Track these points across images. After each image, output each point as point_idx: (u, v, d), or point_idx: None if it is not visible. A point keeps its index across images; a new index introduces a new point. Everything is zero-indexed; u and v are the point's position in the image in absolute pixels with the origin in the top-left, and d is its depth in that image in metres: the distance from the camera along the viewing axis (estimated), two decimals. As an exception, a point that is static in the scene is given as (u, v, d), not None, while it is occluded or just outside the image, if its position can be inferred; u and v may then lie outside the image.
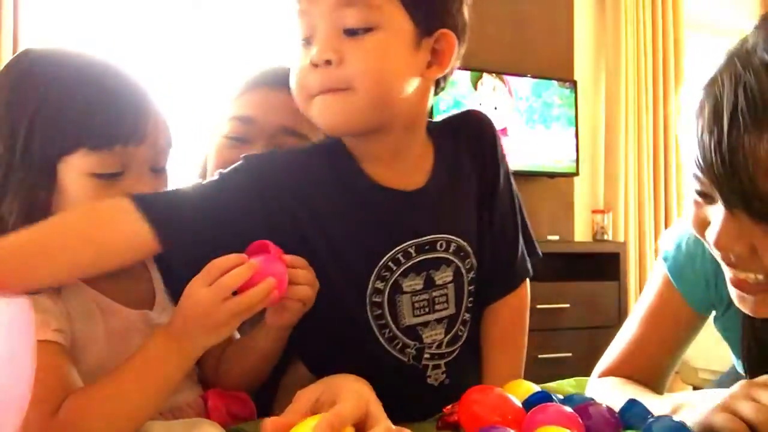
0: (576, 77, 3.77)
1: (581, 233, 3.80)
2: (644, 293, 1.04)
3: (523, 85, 3.53)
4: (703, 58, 4.12)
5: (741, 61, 0.73)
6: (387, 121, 0.84)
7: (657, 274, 1.02)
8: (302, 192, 0.85)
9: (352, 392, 0.68)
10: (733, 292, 0.81)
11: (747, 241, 0.72)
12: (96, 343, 0.78)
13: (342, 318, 0.88)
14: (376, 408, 0.69)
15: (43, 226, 0.73)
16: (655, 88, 3.89)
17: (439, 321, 0.90)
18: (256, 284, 0.72)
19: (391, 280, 0.86)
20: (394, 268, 0.86)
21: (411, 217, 0.87)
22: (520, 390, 0.77)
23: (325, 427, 0.61)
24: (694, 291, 0.97)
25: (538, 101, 3.56)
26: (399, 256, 0.86)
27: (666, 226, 3.87)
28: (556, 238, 3.47)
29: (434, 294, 0.89)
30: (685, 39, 3.98)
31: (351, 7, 0.78)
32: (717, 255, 0.78)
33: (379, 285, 0.86)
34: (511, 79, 3.49)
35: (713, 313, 0.99)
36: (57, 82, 0.77)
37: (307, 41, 0.83)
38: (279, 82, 1.08)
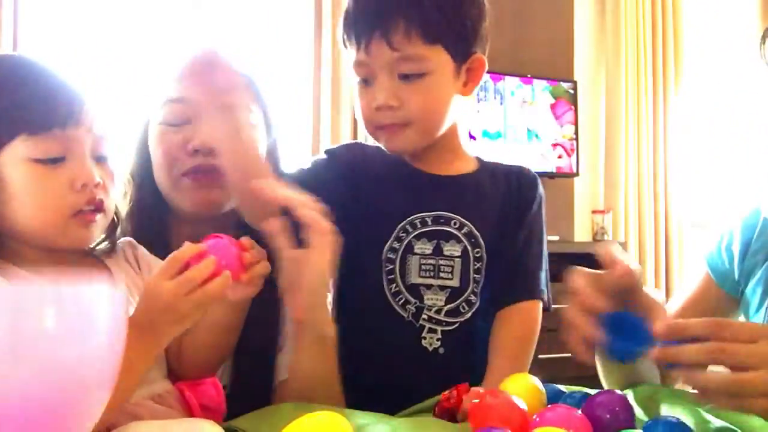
0: (576, 77, 3.77)
1: (581, 233, 3.80)
2: (678, 293, 1.14)
3: (523, 85, 3.53)
4: (703, 58, 4.12)
5: None
6: (432, 141, 1.02)
7: (694, 269, 1.12)
8: (357, 166, 1.05)
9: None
10: None
11: None
12: None
13: (358, 272, 1.00)
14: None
15: None
16: (655, 88, 3.89)
17: (441, 288, 1.01)
18: (218, 274, 0.74)
19: (406, 241, 1.01)
20: (411, 230, 1.02)
21: (433, 192, 1.03)
22: (521, 383, 0.78)
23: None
24: (720, 268, 1.06)
25: (538, 101, 3.56)
26: (417, 221, 1.02)
27: (666, 226, 3.88)
28: (556, 238, 3.47)
29: (441, 262, 1.01)
30: (685, 39, 3.98)
31: (407, 61, 0.96)
32: None
33: (396, 245, 1.01)
34: (510, 79, 3.49)
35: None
36: None
37: (366, 82, 0.99)
38: (209, 63, 1.08)
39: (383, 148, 1.04)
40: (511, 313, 1.03)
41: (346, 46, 1.00)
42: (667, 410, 0.76)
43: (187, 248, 0.75)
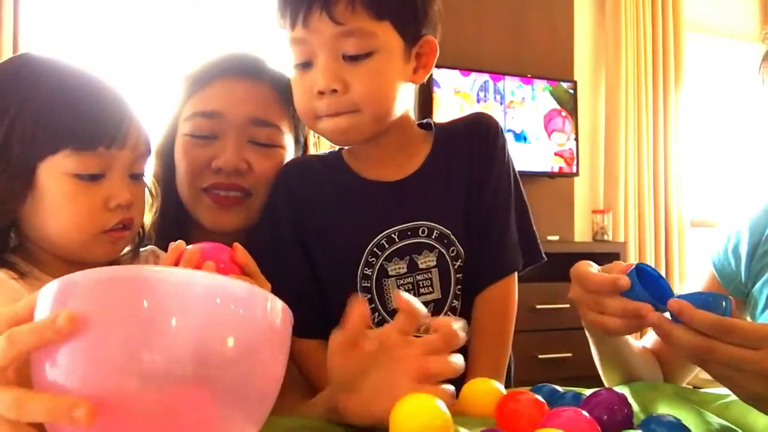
0: (576, 77, 3.77)
1: (581, 233, 3.80)
2: (684, 286, 1.10)
3: (523, 85, 3.53)
4: (703, 58, 4.12)
5: None
6: (384, 128, 0.93)
7: (698, 269, 1.11)
8: (302, 193, 0.98)
9: None
10: None
11: None
12: None
13: (335, 302, 0.89)
14: None
15: None
16: (655, 88, 3.89)
17: (425, 304, 0.90)
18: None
19: (377, 265, 0.94)
20: (379, 253, 0.95)
21: (391, 205, 0.95)
22: (483, 388, 0.77)
23: None
24: (727, 269, 1.05)
25: (537, 101, 3.56)
26: (383, 242, 0.94)
27: (666, 226, 3.88)
28: (556, 238, 3.47)
29: (418, 278, 0.95)
30: (685, 39, 3.98)
31: (350, 36, 0.85)
32: None
33: (367, 271, 0.94)
34: (510, 79, 3.49)
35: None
36: (41, 85, 0.77)
37: (304, 65, 0.89)
38: (241, 70, 1.06)
39: (325, 138, 0.95)
40: (484, 298, 0.97)
41: (280, 24, 0.89)
42: (665, 409, 0.76)
43: (173, 245, 0.75)
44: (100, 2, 2.81)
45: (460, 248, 0.96)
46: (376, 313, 0.94)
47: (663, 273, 4.14)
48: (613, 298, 0.73)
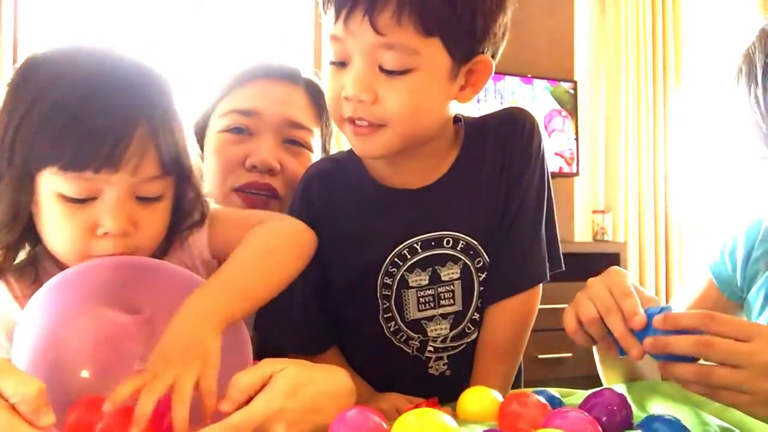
0: (576, 77, 3.77)
1: (581, 233, 3.80)
2: (680, 297, 1.15)
3: (523, 85, 3.53)
4: (703, 58, 4.12)
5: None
6: (416, 145, 0.85)
7: (697, 273, 1.12)
8: (321, 203, 0.91)
9: (270, 395, 0.64)
10: None
11: None
12: None
13: (353, 310, 0.92)
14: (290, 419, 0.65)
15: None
16: (655, 88, 3.89)
17: (444, 316, 0.92)
18: None
19: (398, 276, 0.89)
20: (401, 263, 0.89)
21: (414, 214, 0.89)
22: (482, 398, 0.77)
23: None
24: (724, 274, 1.06)
25: (537, 101, 3.55)
26: (405, 252, 0.89)
27: (666, 226, 3.88)
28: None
29: (440, 290, 0.90)
30: (685, 39, 3.98)
31: (390, 50, 0.77)
32: None
33: (388, 281, 0.90)
34: (510, 79, 3.49)
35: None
36: (48, 91, 0.71)
37: (340, 65, 0.82)
38: (279, 74, 1.08)
39: (353, 149, 0.87)
40: (503, 308, 0.91)
41: (324, 11, 0.82)
42: (663, 409, 0.76)
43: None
44: (100, 2, 2.81)
45: (487, 259, 0.91)
46: (393, 323, 0.91)
47: (663, 273, 4.12)
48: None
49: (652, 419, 0.68)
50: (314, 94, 1.09)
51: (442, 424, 0.59)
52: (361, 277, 0.90)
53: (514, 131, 0.91)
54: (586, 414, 0.66)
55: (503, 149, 0.91)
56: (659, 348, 0.73)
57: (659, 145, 3.88)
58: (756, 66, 0.78)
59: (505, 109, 0.95)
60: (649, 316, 0.75)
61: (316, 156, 1.10)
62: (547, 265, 0.95)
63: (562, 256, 0.97)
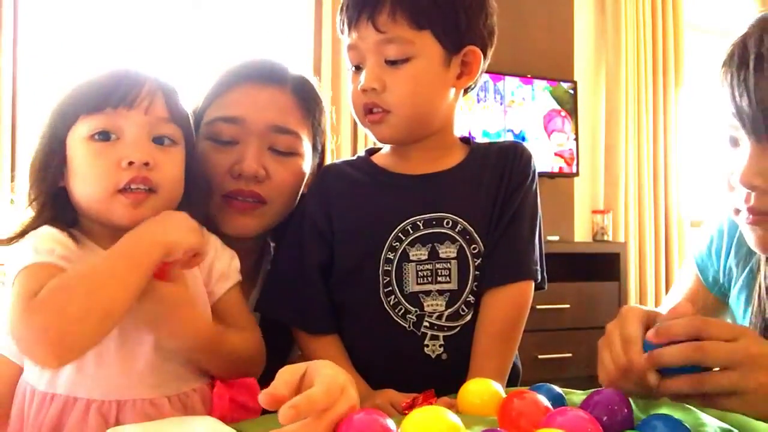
0: (576, 77, 3.77)
1: (581, 233, 3.80)
2: (672, 289, 1.14)
3: (523, 85, 3.53)
4: (703, 58, 4.12)
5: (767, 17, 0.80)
6: (425, 132, 1.01)
7: (684, 269, 1.11)
8: (332, 187, 1.05)
9: (326, 377, 0.69)
10: (750, 237, 0.86)
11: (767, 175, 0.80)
12: None
13: (355, 287, 1.00)
14: (350, 390, 0.71)
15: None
16: (655, 88, 3.90)
17: (441, 293, 0.99)
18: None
19: (400, 250, 0.99)
20: (403, 238, 0.99)
21: (419, 194, 1.01)
22: (481, 388, 0.78)
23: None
24: (710, 270, 1.06)
25: (537, 101, 3.56)
26: (408, 227, 0.99)
27: (666, 226, 3.88)
28: (556, 238, 3.47)
29: (437, 266, 0.99)
30: (685, 39, 3.98)
31: (391, 43, 0.96)
32: (740, 200, 0.84)
33: (390, 255, 0.99)
34: (510, 79, 3.49)
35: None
36: (77, 83, 0.87)
37: (358, 68, 1.00)
38: (264, 77, 1.08)
39: (372, 136, 1.03)
40: (499, 295, 0.99)
41: (341, 32, 1.00)
42: (665, 409, 0.76)
43: None
44: (100, 2, 2.81)
45: (482, 246, 1.00)
46: (392, 296, 0.98)
47: (662, 273, 4.12)
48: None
49: (652, 419, 0.68)
50: (302, 93, 1.09)
51: (449, 423, 0.59)
52: (366, 252, 0.99)
53: (515, 152, 1.05)
54: (587, 413, 0.66)
55: (503, 166, 1.04)
56: (655, 362, 0.74)
57: (659, 144, 3.88)
58: (750, 51, 0.78)
59: (509, 141, 1.13)
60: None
61: (307, 159, 1.09)
62: (539, 269, 1.03)
63: (546, 278, 1.05)
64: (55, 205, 0.86)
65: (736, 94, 0.79)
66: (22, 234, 0.84)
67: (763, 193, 0.81)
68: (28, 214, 0.86)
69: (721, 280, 1.05)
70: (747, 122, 0.79)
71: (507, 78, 3.48)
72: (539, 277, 1.02)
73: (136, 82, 0.86)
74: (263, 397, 0.66)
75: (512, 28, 3.60)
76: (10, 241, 0.84)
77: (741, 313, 1.00)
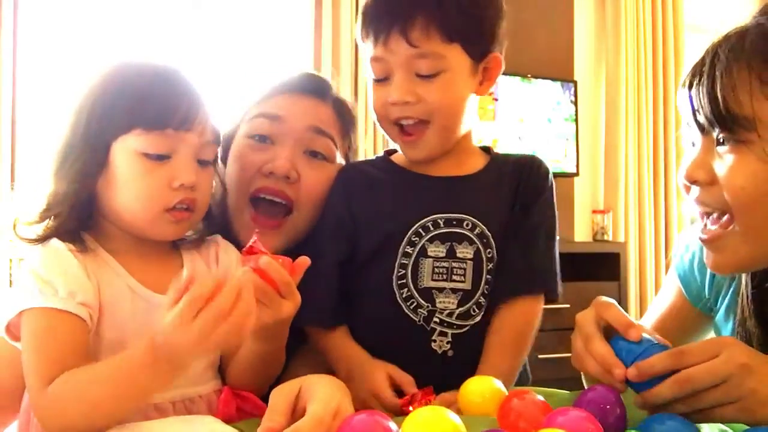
0: (576, 77, 3.77)
1: (581, 233, 3.80)
2: (655, 299, 1.11)
3: (523, 85, 3.53)
4: (703, 58, 4.12)
5: (732, 31, 0.84)
6: (453, 141, 1.03)
7: (667, 280, 1.09)
8: (355, 182, 1.06)
9: (320, 404, 0.71)
10: (708, 257, 0.88)
11: (709, 169, 0.82)
12: (121, 319, 0.82)
13: (370, 276, 1.01)
14: (346, 409, 0.73)
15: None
16: (655, 88, 3.90)
17: (454, 291, 1.00)
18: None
19: (419, 245, 1.00)
20: (423, 234, 1.00)
21: (440, 194, 1.02)
22: (483, 387, 0.78)
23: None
24: (693, 285, 1.04)
25: (538, 101, 3.55)
26: (429, 224, 1.00)
27: (666, 226, 3.88)
28: (556, 238, 3.47)
29: (453, 264, 1.00)
30: (685, 39, 3.98)
31: (424, 58, 0.96)
32: (689, 195, 0.86)
33: (409, 249, 1.00)
34: (511, 79, 3.49)
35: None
36: (120, 71, 0.86)
37: (382, 81, 1.00)
38: (308, 89, 1.11)
39: (400, 151, 1.04)
40: (511, 308, 1.00)
41: (363, 41, 1.00)
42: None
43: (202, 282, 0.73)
44: (100, 2, 2.81)
45: (495, 253, 1.01)
46: (405, 289, 0.99)
47: (662, 273, 4.12)
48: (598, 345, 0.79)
49: (658, 418, 0.68)
50: (341, 110, 1.13)
51: (451, 424, 0.60)
52: (385, 243, 1.00)
53: (531, 166, 1.08)
54: (587, 413, 0.66)
55: (521, 176, 1.06)
56: (650, 404, 0.74)
57: (659, 144, 3.88)
58: (720, 55, 0.80)
59: (528, 155, 1.14)
60: (617, 347, 0.77)
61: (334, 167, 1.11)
62: (558, 282, 1.05)
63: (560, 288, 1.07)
64: (83, 209, 0.85)
65: (692, 93, 0.81)
66: (47, 237, 0.83)
67: (703, 186, 0.82)
68: (53, 211, 0.84)
69: (707, 295, 1.03)
70: (697, 117, 0.81)
71: (507, 78, 3.48)
72: (558, 293, 1.05)
73: (196, 102, 0.86)
74: None
75: (512, 28, 3.59)
76: (36, 242, 0.83)
77: (728, 328, 0.98)
